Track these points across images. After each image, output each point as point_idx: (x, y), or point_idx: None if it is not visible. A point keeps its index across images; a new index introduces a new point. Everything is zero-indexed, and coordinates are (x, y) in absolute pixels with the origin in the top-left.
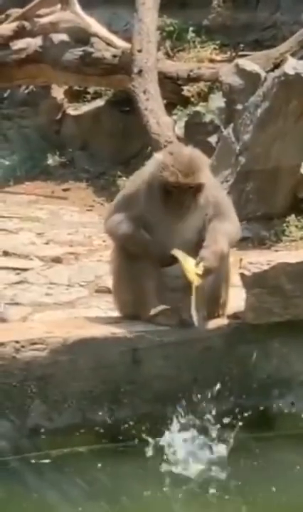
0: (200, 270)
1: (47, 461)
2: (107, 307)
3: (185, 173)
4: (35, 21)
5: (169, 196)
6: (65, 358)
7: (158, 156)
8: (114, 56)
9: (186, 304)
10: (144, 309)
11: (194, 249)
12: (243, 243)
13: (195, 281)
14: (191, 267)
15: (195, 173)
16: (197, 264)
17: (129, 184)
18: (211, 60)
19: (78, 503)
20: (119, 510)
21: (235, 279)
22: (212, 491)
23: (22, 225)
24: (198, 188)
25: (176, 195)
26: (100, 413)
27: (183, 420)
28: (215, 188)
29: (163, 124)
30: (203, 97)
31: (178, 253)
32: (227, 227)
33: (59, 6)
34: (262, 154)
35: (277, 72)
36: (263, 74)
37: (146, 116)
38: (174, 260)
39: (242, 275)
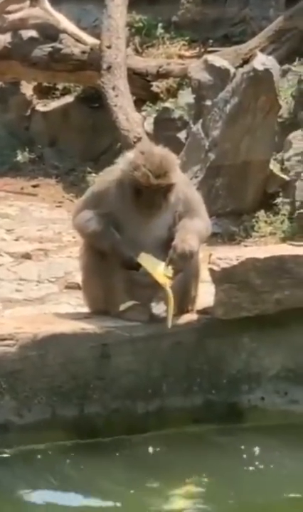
0: (169, 273)
1: (17, 457)
2: (77, 303)
3: (157, 174)
4: (4, 17)
5: (140, 196)
6: (35, 354)
7: (129, 155)
8: (83, 52)
9: (156, 300)
10: (114, 305)
11: (164, 246)
12: (213, 239)
13: (167, 283)
14: (160, 271)
15: (167, 174)
16: (166, 265)
17: (99, 181)
18: (180, 56)
19: (47, 499)
20: (89, 506)
21: (204, 274)
22: (182, 484)
23: None
24: (168, 188)
25: (147, 195)
26: (70, 409)
27: None
28: (185, 185)
29: (133, 120)
30: (172, 93)
31: (145, 260)
32: (198, 224)
33: (28, 2)
34: (232, 150)
35: (246, 68)
36: (232, 70)
37: (115, 113)
38: (140, 265)
39: (211, 271)
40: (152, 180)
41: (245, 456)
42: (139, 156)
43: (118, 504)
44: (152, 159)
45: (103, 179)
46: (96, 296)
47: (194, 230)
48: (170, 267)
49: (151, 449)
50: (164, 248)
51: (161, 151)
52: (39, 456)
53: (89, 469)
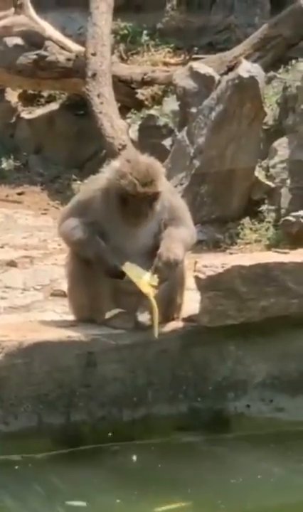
0: (155, 281)
1: (1, 465)
2: (63, 311)
3: (143, 183)
4: None
5: (126, 204)
6: (21, 362)
7: (114, 164)
8: (69, 60)
9: (142, 308)
10: (99, 312)
11: (150, 254)
12: (198, 246)
13: (151, 292)
14: (145, 280)
15: (153, 182)
16: (152, 274)
17: (84, 189)
18: (165, 63)
19: (32, 508)
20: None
21: (190, 282)
22: (170, 493)
23: None
24: (155, 197)
25: (133, 204)
26: (56, 417)
27: None
28: (170, 193)
29: (118, 127)
30: (157, 100)
31: (129, 269)
32: (183, 233)
33: (13, 9)
34: (217, 157)
35: (231, 75)
36: (217, 77)
37: (100, 120)
38: (125, 274)
39: (196, 278)
40: (139, 189)
41: (231, 464)
42: (125, 165)
43: None
44: (138, 167)
45: (88, 188)
46: (81, 304)
47: (179, 238)
48: (155, 276)
49: (136, 458)
50: (150, 256)
51: (146, 159)
52: (24, 465)
53: (75, 478)
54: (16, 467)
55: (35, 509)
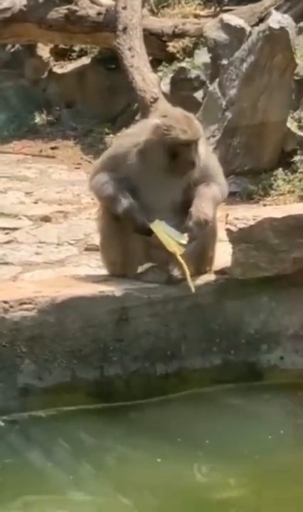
0: (185, 240)
1: (36, 421)
2: (97, 265)
3: (192, 129)
4: None
5: (176, 156)
6: (54, 318)
7: (154, 121)
8: (99, 14)
9: (174, 262)
10: (131, 267)
11: (179, 210)
12: (231, 198)
13: (178, 251)
14: (174, 239)
15: (198, 127)
16: (182, 233)
17: (117, 145)
18: (196, 16)
19: (65, 464)
20: (106, 470)
21: (222, 234)
22: (198, 446)
23: (10, 184)
24: (198, 143)
25: (185, 153)
26: (90, 371)
27: None
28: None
29: (149, 80)
30: (188, 52)
31: (158, 227)
32: (213, 190)
33: None
34: (249, 109)
35: (262, 27)
36: (248, 28)
37: (131, 73)
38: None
39: (228, 231)
40: (191, 135)
41: (264, 417)
42: (165, 119)
43: (135, 469)
44: (178, 117)
45: (121, 143)
46: (113, 259)
47: (210, 196)
48: (185, 234)
49: (168, 411)
50: (179, 212)
51: (177, 109)
52: (58, 420)
53: (108, 432)
54: (50, 422)
55: (66, 464)
